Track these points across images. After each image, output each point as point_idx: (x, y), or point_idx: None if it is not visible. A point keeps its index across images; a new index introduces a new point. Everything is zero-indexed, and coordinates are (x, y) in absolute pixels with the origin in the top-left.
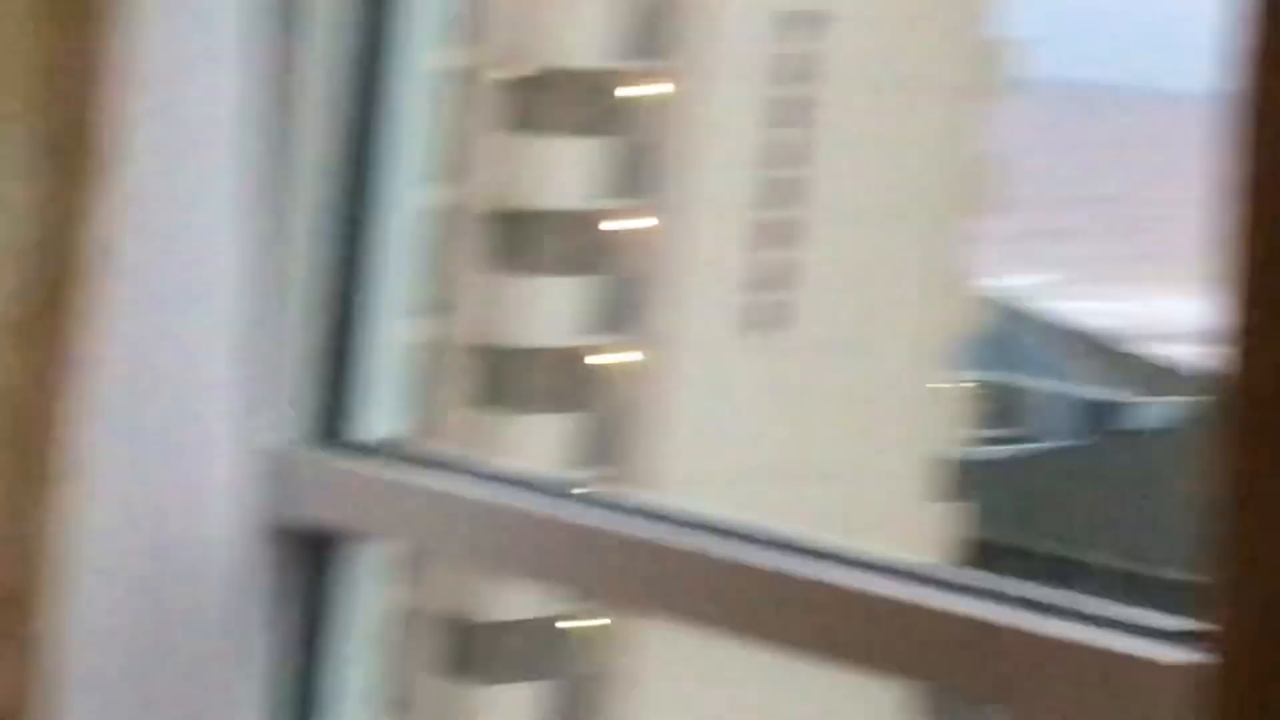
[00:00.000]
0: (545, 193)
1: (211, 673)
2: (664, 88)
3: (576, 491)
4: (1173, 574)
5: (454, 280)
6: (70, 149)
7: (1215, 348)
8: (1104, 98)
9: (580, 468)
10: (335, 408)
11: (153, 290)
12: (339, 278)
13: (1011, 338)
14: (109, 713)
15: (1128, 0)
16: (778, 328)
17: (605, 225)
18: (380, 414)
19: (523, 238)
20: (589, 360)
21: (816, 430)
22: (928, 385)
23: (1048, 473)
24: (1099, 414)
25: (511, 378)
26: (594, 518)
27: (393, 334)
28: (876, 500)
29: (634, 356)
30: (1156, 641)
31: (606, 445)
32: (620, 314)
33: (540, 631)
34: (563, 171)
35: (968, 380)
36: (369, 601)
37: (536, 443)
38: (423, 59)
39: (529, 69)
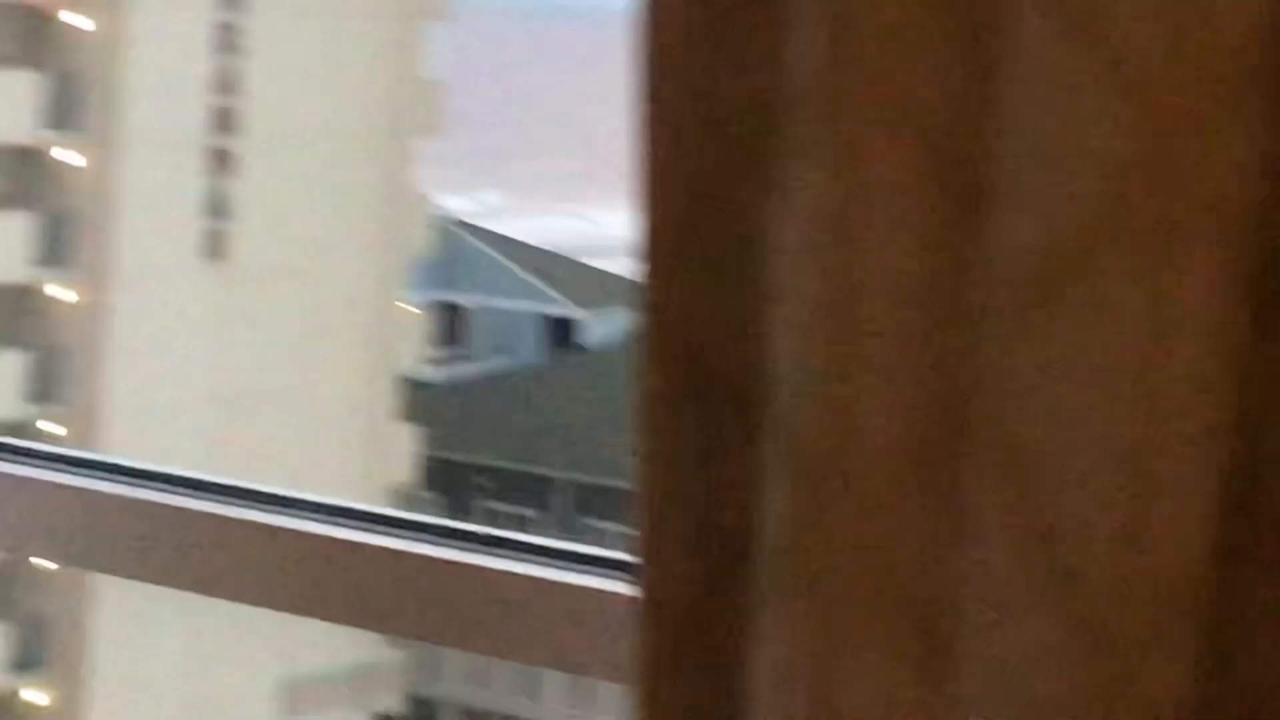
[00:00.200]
0: None
1: None
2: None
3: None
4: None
5: None
6: None
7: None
8: (549, 17)
9: (26, 405)
10: None
11: None
12: None
13: (465, 257)
14: None
15: None
16: (229, 257)
17: (43, 160)
18: None
19: None
20: (31, 297)
21: (275, 356)
22: (387, 307)
23: (510, 391)
24: (556, 330)
25: None
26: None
27: None
28: (340, 422)
29: (75, 294)
30: (610, 572)
31: (53, 382)
32: (62, 248)
33: None
34: None
35: (425, 302)
36: None
37: None
38: None
39: None
